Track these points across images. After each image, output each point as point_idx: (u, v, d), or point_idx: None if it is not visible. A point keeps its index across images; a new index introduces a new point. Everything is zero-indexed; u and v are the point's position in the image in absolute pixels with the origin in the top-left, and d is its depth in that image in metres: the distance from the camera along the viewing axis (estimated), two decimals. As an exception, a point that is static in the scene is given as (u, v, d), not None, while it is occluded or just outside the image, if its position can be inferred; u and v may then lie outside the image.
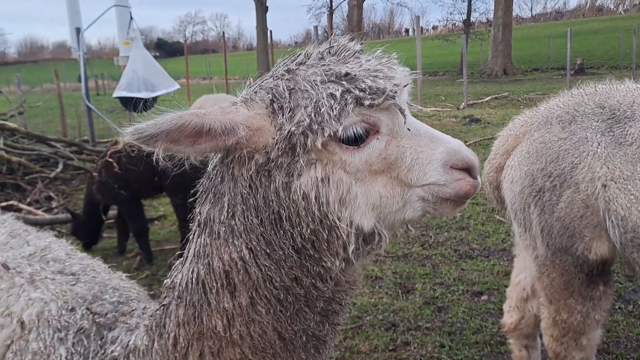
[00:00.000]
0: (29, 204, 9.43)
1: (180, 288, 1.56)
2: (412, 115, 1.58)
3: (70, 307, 1.81)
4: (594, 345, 3.22)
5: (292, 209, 1.41)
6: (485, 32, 45.37)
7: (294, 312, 1.50)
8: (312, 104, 1.39)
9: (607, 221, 2.81)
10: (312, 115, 1.38)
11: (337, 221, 1.41)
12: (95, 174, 6.64)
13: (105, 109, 24.24)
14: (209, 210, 1.49)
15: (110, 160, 6.42)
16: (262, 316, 1.48)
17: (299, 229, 1.42)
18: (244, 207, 1.43)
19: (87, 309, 1.81)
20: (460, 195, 1.47)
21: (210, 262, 1.48)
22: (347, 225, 1.42)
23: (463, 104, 20.81)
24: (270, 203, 1.42)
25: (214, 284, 1.48)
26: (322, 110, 1.38)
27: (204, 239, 1.50)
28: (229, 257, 1.45)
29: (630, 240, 2.74)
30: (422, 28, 23.89)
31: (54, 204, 9.85)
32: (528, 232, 3.12)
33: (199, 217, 1.53)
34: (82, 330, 1.76)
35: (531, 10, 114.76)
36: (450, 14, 64.97)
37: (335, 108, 1.39)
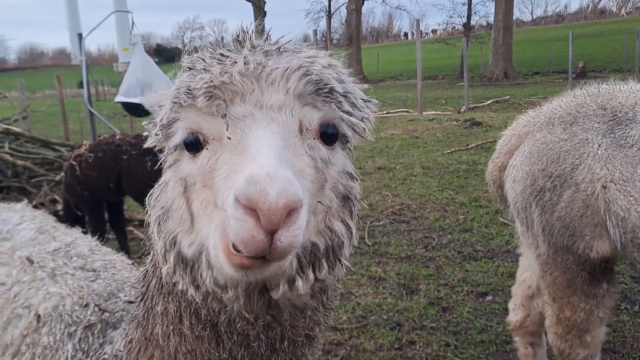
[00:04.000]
0: (35, 207, 9.49)
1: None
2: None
3: (84, 303, 1.87)
4: (599, 342, 3.27)
5: None
6: (486, 36, 45.47)
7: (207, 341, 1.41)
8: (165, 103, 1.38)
9: (608, 221, 2.86)
10: (161, 117, 1.38)
11: (154, 235, 1.38)
12: (62, 174, 6.95)
13: (105, 114, 24.35)
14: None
15: (74, 163, 6.75)
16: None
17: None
18: None
19: (96, 305, 1.86)
20: (238, 241, 1.08)
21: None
22: (162, 244, 1.33)
23: (464, 107, 20.88)
24: None
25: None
26: (161, 112, 1.38)
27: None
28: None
29: (630, 240, 2.80)
30: (421, 32, 23.98)
31: (59, 206, 9.91)
32: (530, 231, 3.18)
33: None
34: (89, 327, 1.80)
35: (532, 14, 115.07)
36: (450, 17, 65.02)
37: (166, 111, 1.34)
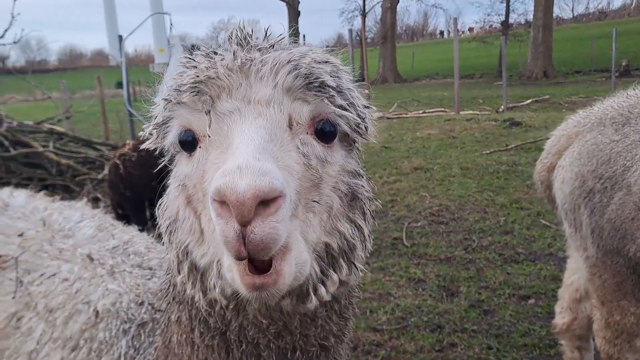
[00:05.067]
0: (79, 205, 9.76)
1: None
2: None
3: (140, 301, 1.92)
4: (648, 348, 3.19)
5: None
6: (525, 34, 44.66)
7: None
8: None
9: None
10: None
11: (166, 246, 1.35)
12: (105, 173, 7.08)
13: (143, 114, 24.84)
14: None
15: (118, 162, 6.87)
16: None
17: None
18: None
19: (150, 304, 1.91)
20: (222, 243, 1.06)
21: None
22: (174, 255, 1.31)
23: (502, 107, 20.54)
24: None
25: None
26: (156, 110, 1.38)
27: None
28: None
29: None
30: (458, 30, 23.71)
31: (101, 205, 10.18)
32: (578, 232, 3.12)
33: None
34: (142, 325, 1.85)
35: (572, 11, 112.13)
36: (488, 15, 64.13)
37: (160, 109, 1.33)
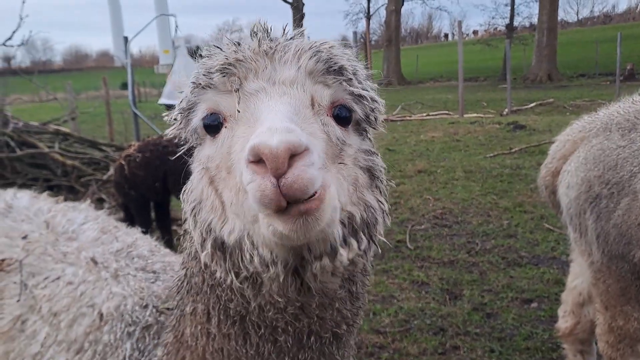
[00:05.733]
0: (83, 206, 9.79)
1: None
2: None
3: (144, 304, 1.93)
4: (651, 353, 3.18)
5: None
6: (529, 37, 44.55)
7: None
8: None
9: None
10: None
11: (190, 226, 1.39)
12: (110, 174, 7.16)
13: (147, 115, 24.96)
14: None
15: (123, 163, 6.97)
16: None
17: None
18: None
19: (154, 307, 1.92)
20: (257, 202, 1.11)
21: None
22: (199, 233, 1.35)
23: (506, 110, 20.52)
24: None
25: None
26: (182, 96, 1.44)
27: None
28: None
29: None
30: (462, 33, 23.69)
31: (105, 205, 10.21)
32: (583, 237, 3.12)
33: None
34: (146, 328, 1.86)
35: (577, 14, 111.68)
36: (492, 18, 64.03)
37: (186, 94, 1.41)
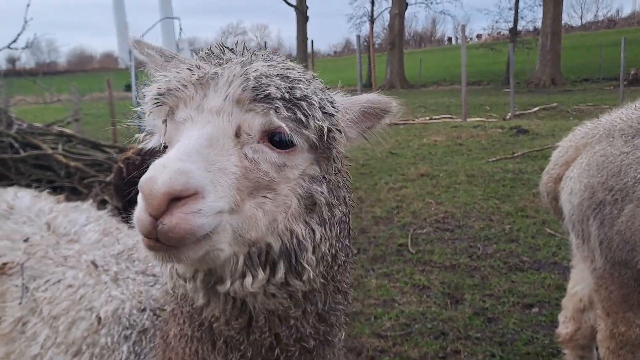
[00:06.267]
0: (86, 207, 9.81)
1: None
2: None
3: (142, 308, 1.94)
4: (652, 359, 3.17)
5: None
6: (533, 41, 44.59)
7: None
8: None
9: None
10: None
11: None
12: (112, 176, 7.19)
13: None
14: None
15: (121, 165, 6.99)
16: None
17: None
18: None
19: (152, 310, 1.93)
20: (136, 227, 1.19)
21: None
22: None
23: (509, 114, 20.52)
24: None
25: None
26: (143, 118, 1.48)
27: None
28: None
29: None
30: (465, 36, 23.73)
31: (108, 207, 10.22)
32: (586, 244, 3.11)
33: None
34: (143, 331, 1.87)
35: (581, 19, 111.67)
36: (496, 22, 64.11)
37: (146, 117, 1.45)
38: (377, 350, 4.64)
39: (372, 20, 54.95)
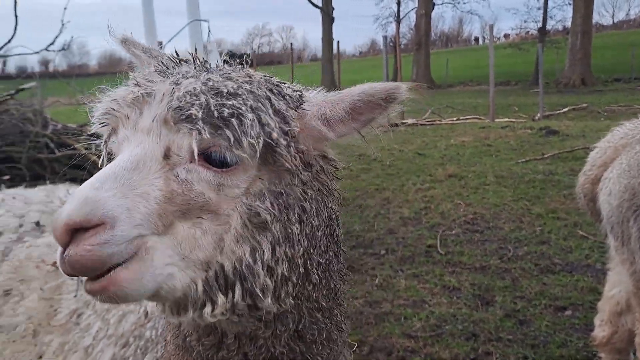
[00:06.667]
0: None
1: None
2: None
3: None
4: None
5: None
6: (562, 41, 43.84)
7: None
8: None
9: None
10: None
11: None
12: None
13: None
14: None
15: None
16: None
17: None
18: None
19: None
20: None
21: None
22: None
23: (538, 115, 20.22)
24: None
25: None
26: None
27: None
28: None
29: None
30: (493, 36, 23.48)
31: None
32: (626, 246, 3.08)
33: None
34: None
35: (612, 17, 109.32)
36: (525, 21, 63.23)
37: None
38: (408, 350, 4.65)
39: (398, 21, 54.76)
